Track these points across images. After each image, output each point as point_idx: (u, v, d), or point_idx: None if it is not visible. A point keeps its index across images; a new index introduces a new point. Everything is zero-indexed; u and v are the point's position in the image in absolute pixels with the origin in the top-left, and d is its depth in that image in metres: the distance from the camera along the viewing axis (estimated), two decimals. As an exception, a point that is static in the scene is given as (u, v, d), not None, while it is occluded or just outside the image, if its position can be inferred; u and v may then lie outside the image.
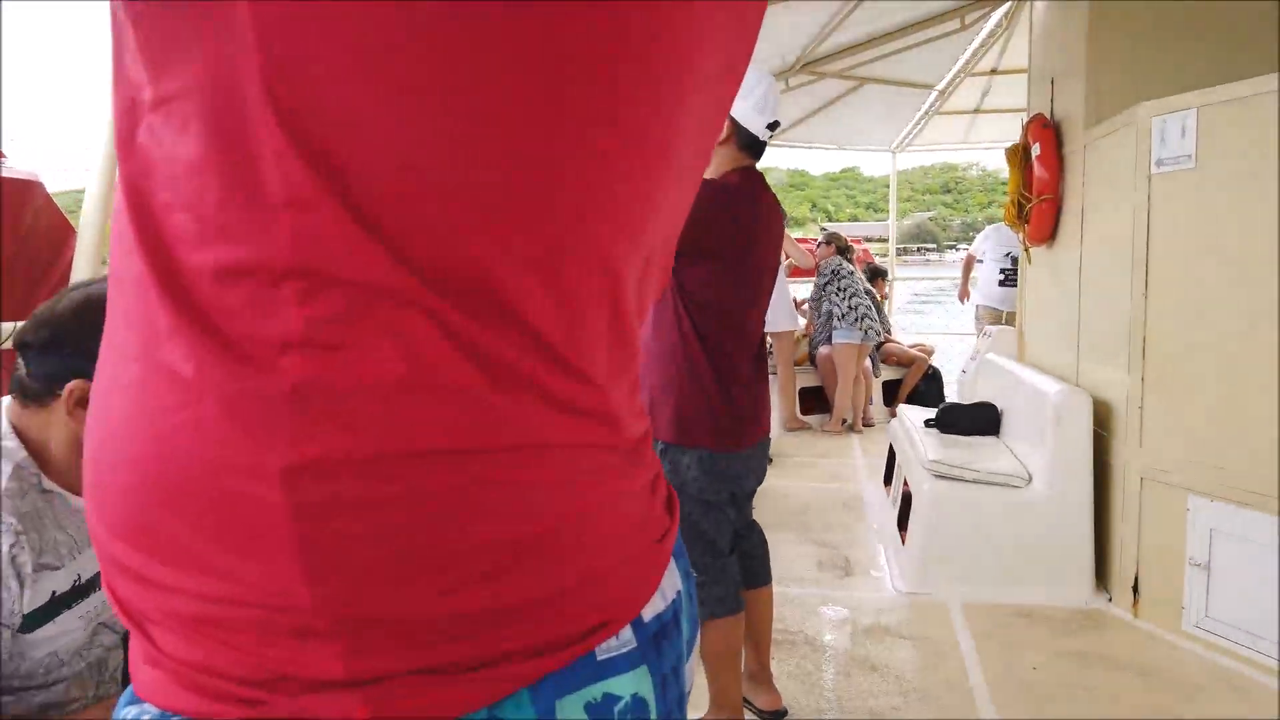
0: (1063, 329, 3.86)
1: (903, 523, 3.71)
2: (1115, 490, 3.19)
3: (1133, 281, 3.04)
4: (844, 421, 6.51)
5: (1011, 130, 5.57)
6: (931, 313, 9.47)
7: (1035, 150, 3.99)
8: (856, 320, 6.29)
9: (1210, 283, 2.78)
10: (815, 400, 6.90)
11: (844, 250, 6.59)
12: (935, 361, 7.19)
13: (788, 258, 6.51)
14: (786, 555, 3.81)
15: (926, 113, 7.17)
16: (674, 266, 2.12)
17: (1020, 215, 4.16)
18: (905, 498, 3.77)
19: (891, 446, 4.62)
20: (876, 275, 7.30)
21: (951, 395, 6.64)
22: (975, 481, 3.37)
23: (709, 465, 2.15)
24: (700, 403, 2.12)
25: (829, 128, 7.51)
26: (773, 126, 2.15)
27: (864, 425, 6.58)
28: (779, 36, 5.34)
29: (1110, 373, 3.26)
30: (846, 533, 4.13)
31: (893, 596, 3.33)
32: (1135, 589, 3.06)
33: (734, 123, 2.12)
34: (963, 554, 3.33)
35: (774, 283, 2.34)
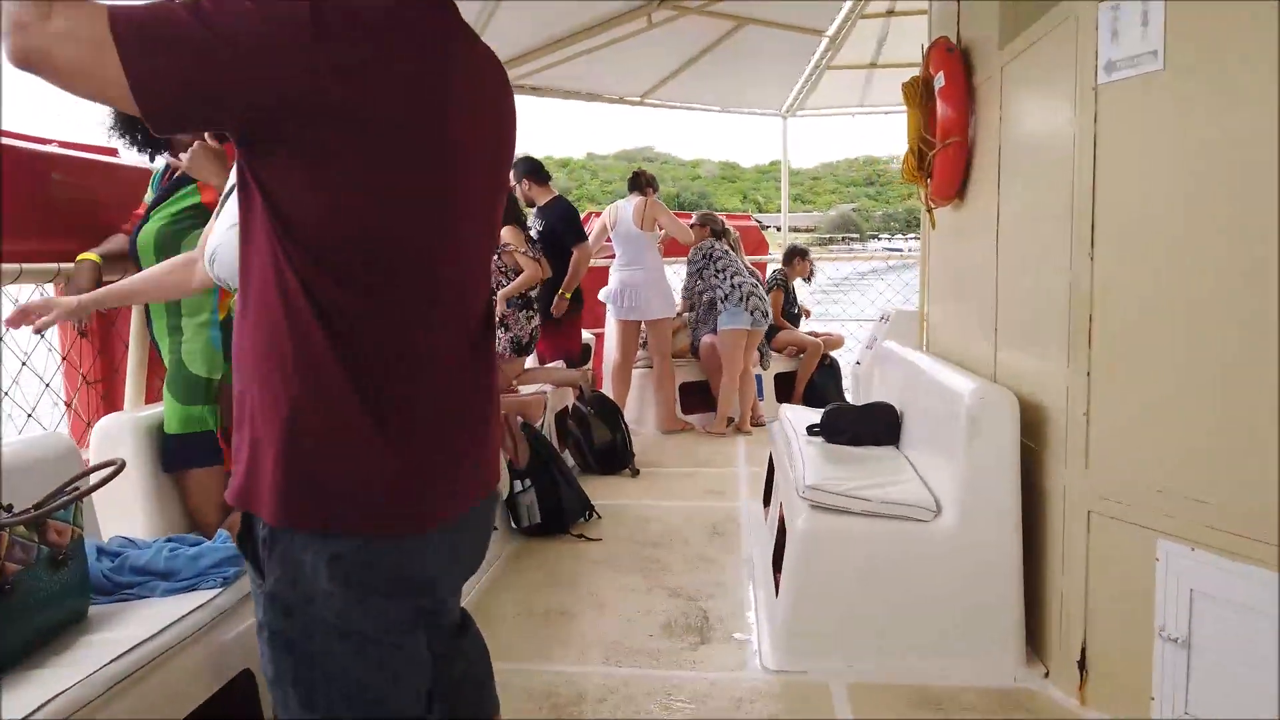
0: (976, 308, 3.01)
1: (779, 562, 2.82)
2: (1053, 527, 2.34)
3: (1073, 238, 2.18)
4: (730, 421, 5.69)
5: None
6: (850, 301, 8.86)
7: (938, 82, 3.13)
8: (742, 299, 5.44)
9: (1186, 235, 1.94)
10: (698, 397, 6.08)
11: (720, 234, 5.77)
12: (843, 352, 6.45)
13: (662, 230, 5.62)
14: (626, 613, 2.86)
15: (818, 66, 6.30)
16: (249, 162, 1.04)
17: (921, 167, 3.30)
18: (782, 530, 2.88)
19: (771, 457, 3.73)
20: (794, 255, 6.46)
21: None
22: (866, 514, 2.48)
23: (359, 566, 1.09)
24: (336, 444, 1.07)
25: (707, 84, 6.51)
26: None
27: (753, 424, 5.78)
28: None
29: (1042, 364, 2.41)
30: (712, 572, 3.21)
31: (756, 676, 2.42)
32: (1082, 665, 2.21)
33: None
34: (850, 615, 2.44)
35: (497, 211, 1.33)
